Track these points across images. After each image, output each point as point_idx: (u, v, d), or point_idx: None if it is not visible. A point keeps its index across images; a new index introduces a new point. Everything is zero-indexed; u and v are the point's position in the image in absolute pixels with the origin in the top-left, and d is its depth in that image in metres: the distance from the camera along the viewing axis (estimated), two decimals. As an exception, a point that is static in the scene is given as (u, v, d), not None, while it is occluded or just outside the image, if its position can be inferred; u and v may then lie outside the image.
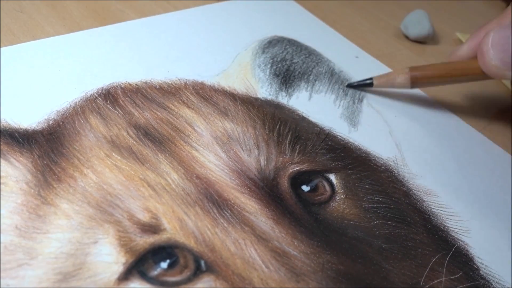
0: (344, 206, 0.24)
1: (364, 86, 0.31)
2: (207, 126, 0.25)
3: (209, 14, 0.35)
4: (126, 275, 0.19)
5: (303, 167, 0.25)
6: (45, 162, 0.22)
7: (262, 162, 0.24)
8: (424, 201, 0.25)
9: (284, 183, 0.23)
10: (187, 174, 0.23)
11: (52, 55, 0.28)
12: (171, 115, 0.26)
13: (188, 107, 0.26)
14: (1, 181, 0.21)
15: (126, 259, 0.20)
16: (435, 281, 0.21)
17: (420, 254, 0.22)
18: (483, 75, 0.29)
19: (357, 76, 0.32)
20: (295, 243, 0.21)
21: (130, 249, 0.20)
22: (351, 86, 0.31)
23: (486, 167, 0.28)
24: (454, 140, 0.29)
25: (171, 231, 0.21)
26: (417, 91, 0.32)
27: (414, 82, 0.30)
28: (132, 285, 0.19)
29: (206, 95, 0.27)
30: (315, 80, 0.31)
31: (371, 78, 0.31)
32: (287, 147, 0.25)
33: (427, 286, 0.21)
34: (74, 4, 0.33)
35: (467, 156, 0.28)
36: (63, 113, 0.25)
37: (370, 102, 0.30)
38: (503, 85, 0.36)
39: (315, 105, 0.29)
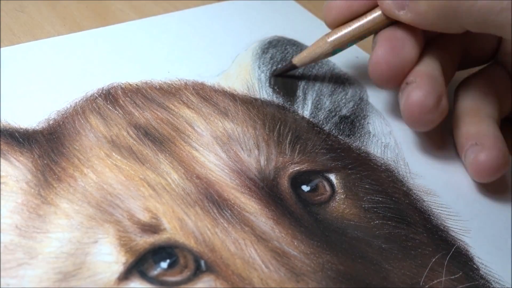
0: (344, 206, 0.24)
1: (289, 70, 0.30)
2: (207, 126, 0.25)
3: (209, 14, 0.35)
4: (126, 275, 0.19)
5: (303, 167, 0.25)
6: (45, 161, 0.22)
7: (262, 162, 0.24)
8: (424, 201, 0.25)
9: (284, 183, 0.23)
10: (187, 174, 0.23)
11: (53, 55, 0.28)
12: (171, 115, 0.26)
13: (188, 107, 0.26)
14: (1, 180, 0.21)
15: (126, 258, 0.20)
16: (435, 281, 0.21)
17: (420, 254, 0.22)
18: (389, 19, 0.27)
19: (357, 76, 0.32)
20: (295, 243, 0.21)
21: (130, 249, 0.20)
22: (276, 75, 0.30)
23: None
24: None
25: (171, 231, 0.21)
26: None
27: (334, 48, 0.29)
28: (132, 284, 0.19)
29: (206, 95, 0.27)
30: (315, 80, 0.31)
31: (291, 61, 0.30)
32: (287, 147, 0.25)
33: (427, 286, 0.21)
34: (74, 4, 0.33)
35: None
36: (63, 113, 0.25)
37: (370, 103, 0.30)
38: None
39: (315, 105, 0.29)
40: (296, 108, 0.28)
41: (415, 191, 0.25)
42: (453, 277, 0.22)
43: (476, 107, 0.27)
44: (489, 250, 0.24)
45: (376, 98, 0.31)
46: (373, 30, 0.28)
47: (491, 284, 0.22)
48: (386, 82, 0.27)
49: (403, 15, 0.26)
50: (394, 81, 0.27)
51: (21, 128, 0.24)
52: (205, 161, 0.24)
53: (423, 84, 0.25)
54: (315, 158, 0.25)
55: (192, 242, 0.20)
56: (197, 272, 0.20)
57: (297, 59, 0.30)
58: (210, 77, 0.29)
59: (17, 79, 0.26)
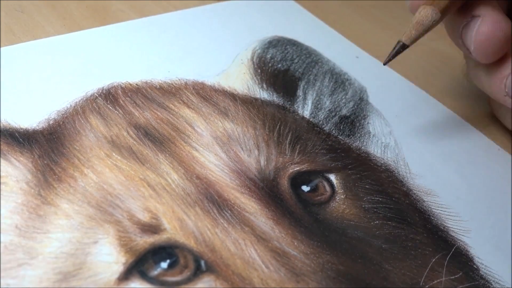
0: (344, 206, 0.24)
1: (400, 52, 0.27)
2: (207, 126, 0.25)
3: (209, 14, 0.35)
4: (126, 275, 0.19)
5: (303, 167, 0.25)
6: (45, 162, 0.22)
7: (262, 162, 0.24)
8: (424, 201, 0.25)
9: (284, 183, 0.23)
10: (187, 174, 0.23)
11: (53, 55, 0.28)
12: (171, 115, 0.26)
13: (188, 107, 0.26)
14: (2, 180, 0.21)
15: (126, 259, 0.20)
16: (435, 281, 0.21)
17: (420, 254, 0.22)
18: None
19: (357, 76, 0.32)
20: (295, 243, 0.21)
21: (130, 249, 0.20)
22: (387, 63, 0.28)
23: (486, 167, 0.28)
24: (455, 140, 0.29)
25: (171, 231, 0.21)
26: (418, 90, 0.32)
27: (443, 13, 0.27)
28: (132, 285, 0.19)
29: (206, 95, 0.27)
30: (315, 80, 0.31)
31: (399, 41, 0.27)
32: (287, 147, 0.25)
33: (427, 286, 0.21)
34: (74, 4, 0.33)
35: (467, 156, 0.28)
36: (63, 113, 0.25)
37: (371, 103, 0.30)
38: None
39: (315, 105, 0.29)
40: (296, 108, 0.28)
41: (415, 191, 0.25)
42: (453, 277, 0.22)
43: None
44: (489, 250, 0.24)
45: (376, 98, 0.31)
46: None
47: (491, 284, 0.22)
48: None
49: None
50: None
51: (21, 128, 0.24)
52: (205, 161, 0.24)
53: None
54: (315, 158, 0.25)
55: (192, 242, 0.20)
56: (197, 272, 0.20)
57: (405, 38, 0.27)
58: (210, 77, 0.29)
59: (17, 79, 0.26)
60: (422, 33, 0.27)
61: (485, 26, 0.26)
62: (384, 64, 0.28)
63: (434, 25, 0.27)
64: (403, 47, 0.27)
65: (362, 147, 0.27)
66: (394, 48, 0.27)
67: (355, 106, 0.30)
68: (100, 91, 0.26)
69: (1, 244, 0.19)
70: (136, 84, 0.27)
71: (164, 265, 0.20)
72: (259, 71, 0.30)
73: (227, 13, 0.35)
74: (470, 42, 0.26)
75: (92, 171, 0.22)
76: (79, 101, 0.26)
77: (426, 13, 0.26)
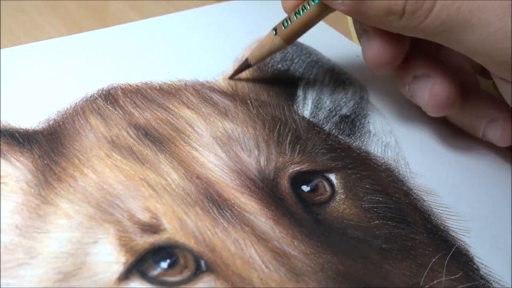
0: (344, 206, 0.24)
1: (244, 69, 0.29)
2: (207, 126, 0.25)
3: (209, 15, 0.35)
4: (126, 275, 0.19)
5: (303, 167, 0.25)
6: (45, 161, 0.22)
7: (262, 162, 0.24)
8: (424, 200, 0.25)
9: (284, 183, 0.23)
10: (187, 174, 0.23)
11: (53, 56, 0.28)
12: (171, 116, 0.26)
13: (188, 107, 0.26)
14: (2, 180, 0.21)
15: (126, 258, 0.20)
16: (435, 281, 0.21)
17: (420, 254, 0.22)
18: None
19: (357, 75, 0.32)
20: (295, 243, 0.21)
21: (130, 249, 0.20)
22: (231, 78, 0.29)
23: (486, 167, 0.28)
24: (455, 140, 0.29)
25: (171, 231, 0.21)
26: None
27: (287, 41, 0.28)
28: (132, 284, 0.19)
29: (206, 95, 0.27)
30: (315, 80, 0.31)
31: (246, 59, 0.28)
32: (287, 147, 0.25)
33: (427, 286, 0.21)
34: (74, 4, 0.33)
35: (468, 156, 0.28)
36: (63, 113, 0.25)
37: (371, 102, 0.30)
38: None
39: (315, 105, 0.29)
40: (296, 108, 0.28)
41: (415, 191, 0.25)
42: (453, 277, 0.22)
43: None
44: (489, 250, 0.24)
45: (377, 96, 0.31)
46: (316, 20, 0.27)
47: (491, 284, 0.22)
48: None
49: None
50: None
51: (21, 129, 0.24)
52: (205, 161, 0.24)
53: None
54: (315, 158, 0.25)
55: (192, 242, 0.20)
56: (197, 272, 0.20)
57: (251, 57, 0.29)
58: (210, 77, 0.29)
59: (17, 80, 0.26)
60: (265, 56, 0.28)
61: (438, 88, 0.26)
62: (230, 79, 0.29)
63: (278, 50, 0.28)
64: (247, 65, 0.29)
65: (363, 147, 0.27)
66: (240, 64, 0.29)
67: (356, 105, 0.30)
68: (100, 92, 0.26)
69: (1, 244, 0.19)
70: (136, 85, 0.27)
71: (164, 265, 0.20)
72: (258, 71, 0.30)
73: (226, 14, 0.35)
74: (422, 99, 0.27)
75: (92, 171, 0.22)
76: (79, 101, 0.26)
77: (271, 39, 0.28)
